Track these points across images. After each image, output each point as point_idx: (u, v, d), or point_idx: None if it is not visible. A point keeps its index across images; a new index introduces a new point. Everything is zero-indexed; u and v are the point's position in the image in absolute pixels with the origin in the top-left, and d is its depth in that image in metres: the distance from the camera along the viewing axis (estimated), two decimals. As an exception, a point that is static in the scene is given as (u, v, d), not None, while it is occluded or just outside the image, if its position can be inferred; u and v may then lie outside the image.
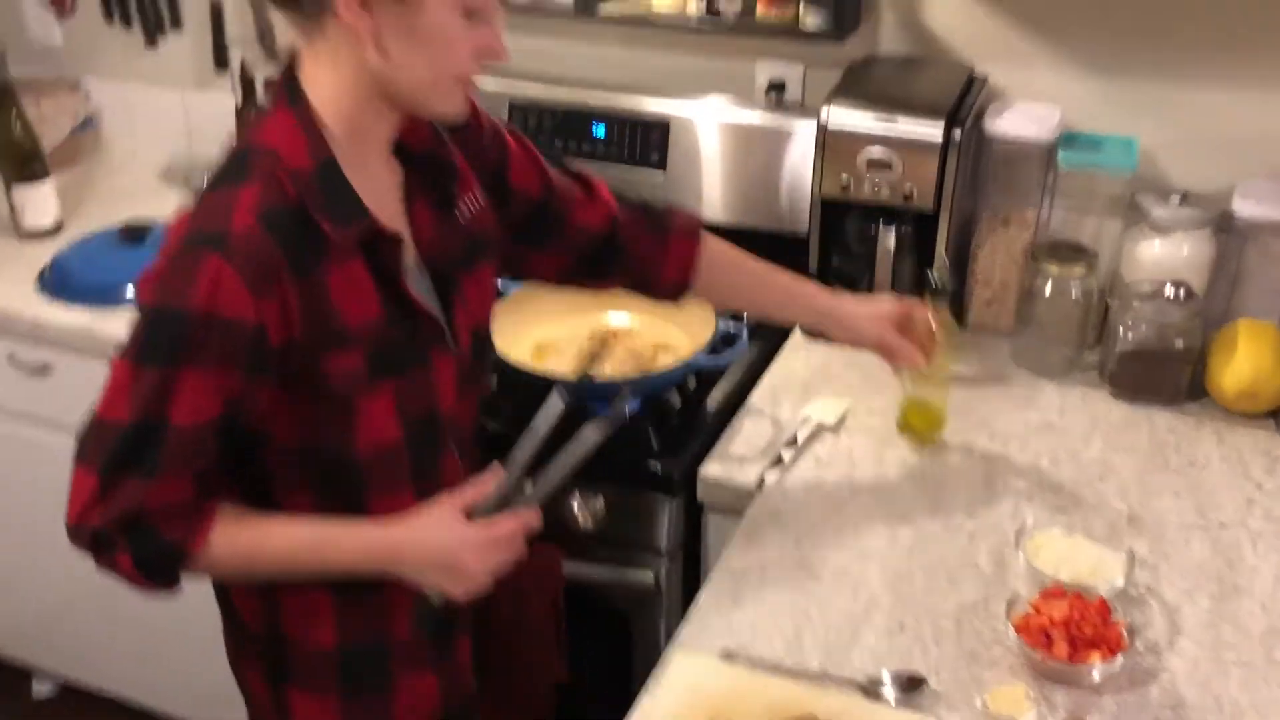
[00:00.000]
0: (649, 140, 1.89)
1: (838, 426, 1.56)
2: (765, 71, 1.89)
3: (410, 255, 1.15)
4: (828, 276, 1.78)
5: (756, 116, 1.84)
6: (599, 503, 1.50)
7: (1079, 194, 1.70)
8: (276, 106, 1.07)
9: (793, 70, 1.87)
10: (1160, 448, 1.52)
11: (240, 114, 2.22)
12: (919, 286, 1.45)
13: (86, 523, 1.05)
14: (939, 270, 1.43)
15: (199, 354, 1.01)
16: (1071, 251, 1.65)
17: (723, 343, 1.64)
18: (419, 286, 1.15)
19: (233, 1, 2.22)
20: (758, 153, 1.83)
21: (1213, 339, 1.60)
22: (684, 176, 1.89)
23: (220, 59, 2.26)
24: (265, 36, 2.16)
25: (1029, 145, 1.65)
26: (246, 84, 2.21)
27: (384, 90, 1.06)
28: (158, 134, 2.40)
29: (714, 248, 1.41)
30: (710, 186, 1.88)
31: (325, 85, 1.06)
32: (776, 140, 1.81)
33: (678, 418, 1.58)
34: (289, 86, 1.07)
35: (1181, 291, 1.57)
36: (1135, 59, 1.66)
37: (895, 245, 1.66)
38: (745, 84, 1.91)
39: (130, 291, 1.88)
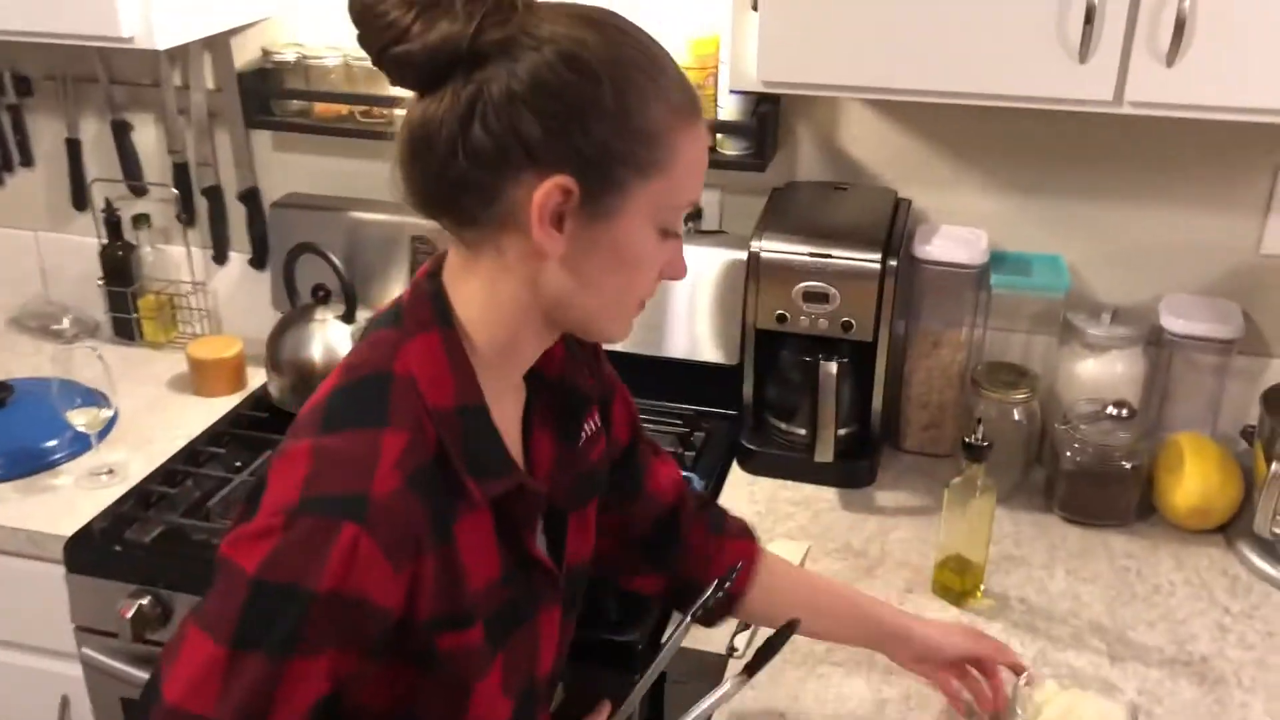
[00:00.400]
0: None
1: (798, 575, 1.48)
2: (680, 197, 1.83)
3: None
4: (763, 408, 1.72)
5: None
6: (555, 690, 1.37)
7: (1008, 312, 1.70)
8: (424, 326, 0.89)
9: (710, 195, 1.82)
10: (1122, 574, 1.49)
11: (105, 253, 2.04)
12: (964, 450, 1.37)
13: None
14: (974, 431, 1.36)
15: (320, 639, 0.81)
16: (1011, 373, 1.63)
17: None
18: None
19: (90, 137, 2.05)
20: (682, 282, 1.76)
21: (1156, 455, 1.59)
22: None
23: (79, 198, 2.08)
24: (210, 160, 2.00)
25: (960, 270, 1.63)
26: (111, 223, 2.04)
27: (552, 313, 0.91)
28: (9, 277, 2.19)
29: (770, 556, 1.26)
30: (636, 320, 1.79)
31: (480, 304, 0.90)
32: (697, 268, 1.75)
33: (631, 579, 1.47)
34: (439, 303, 0.90)
35: (1124, 411, 1.56)
36: (1056, 179, 1.67)
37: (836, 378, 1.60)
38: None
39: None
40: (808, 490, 1.67)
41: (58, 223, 2.13)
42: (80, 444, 1.71)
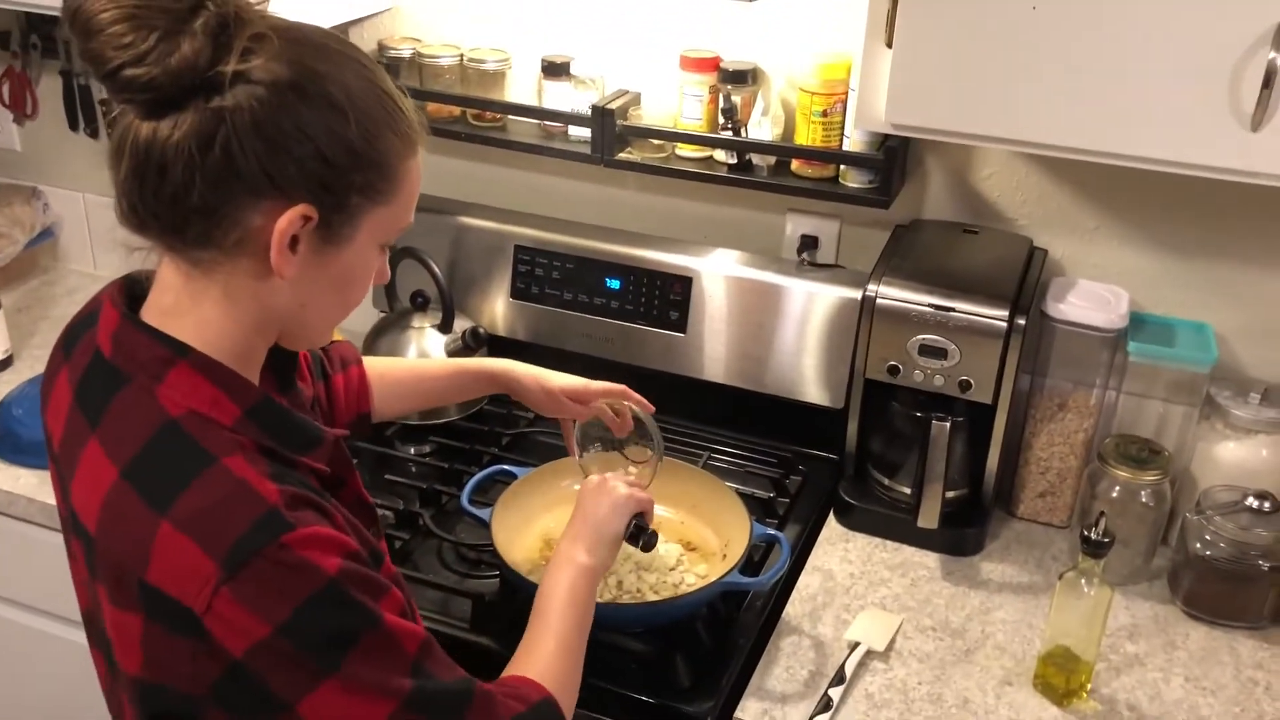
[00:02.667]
0: (668, 297, 1.72)
1: (887, 652, 1.39)
2: (797, 225, 1.74)
3: None
4: (867, 460, 1.62)
5: (787, 276, 1.67)
6: (616, 747, 1.32)
7: (1144, 379, 1.56)
8: (165, 363, 0.89)
9: (827, 226, 1.72)
10: (1249, 687, 1.36)
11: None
12: (1083, 544, 1.28)
13: None
14: (1095, 524, 1.26)
15: (371, 597, 0.87)
16: (1142, 448, 1.50)
17: (764, 549, 1.46)
18: None
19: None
20: (788, 315, 1.67)
21: (1299, 555, 1.45)
22: (703, 337, 1.72)
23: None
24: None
25: (1095, 333, 1.50)
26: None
27: (276, 325, 0.94)
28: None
29: (370, 362, 1.37)
30: (733, 350, 1.71)
31: (214, 325, 0.91)
32: (809, 303, 1.65)
33: (707, 642, 1.39)
34: (161, 338, 0.89)
35: (1266, 504, 1.42)
36: (1206, 238, 1.53)
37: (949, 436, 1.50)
38: (773, 238, 1.75)
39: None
40: (907, 553, 1.57)
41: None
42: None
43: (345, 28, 1.83)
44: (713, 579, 1.36)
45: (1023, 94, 1.22)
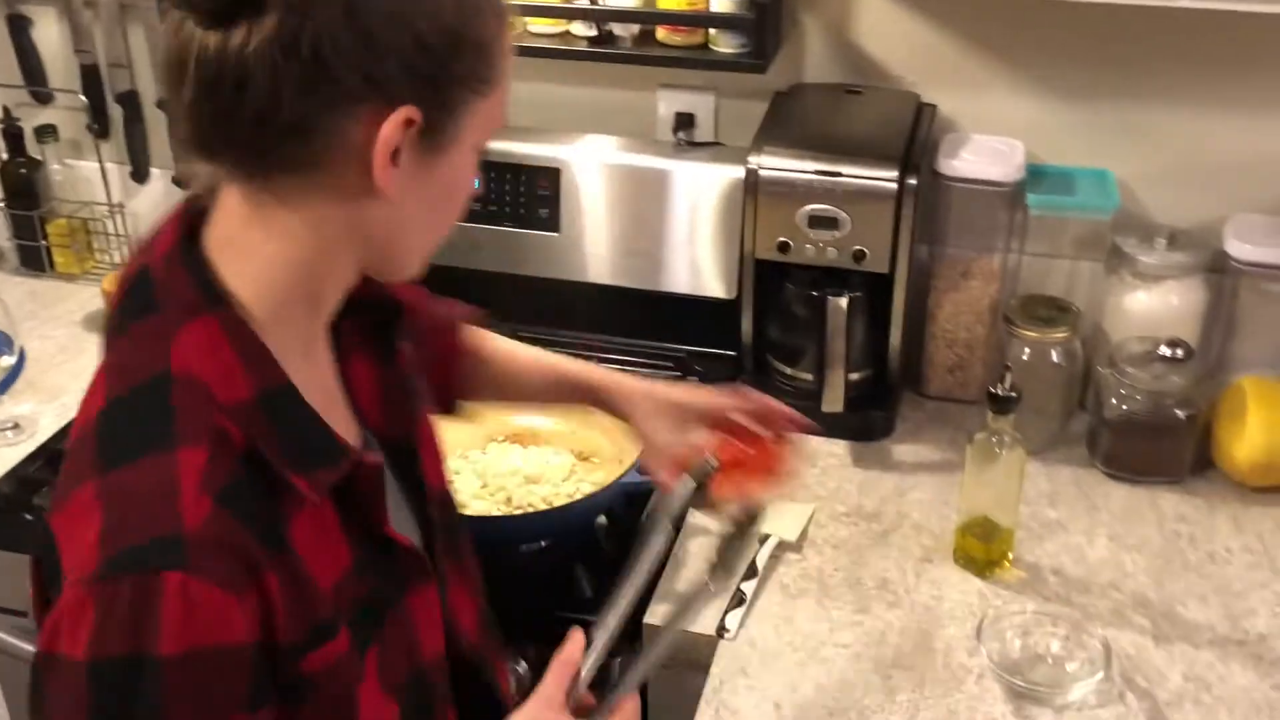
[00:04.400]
0: (535, 193, 1.77)
1: (800, 542, 1.47)
2: (670, 103, 1.79)
3: (356, 444, 0.96)
4: (765, 349, 1.70)
5: (663, 158, 1.73)
6: (521, 669, 1.38)
7: (1048, 236, 1.66)
8: (191, 310, 0.84)
9: (702, 101, 1.78)
10: (1173, 540, 1.48)
11: (5, 170, 2.00)
12: (989, 401, 1.35)
13: None
14: (1001, 379, 1.34)
15: (185, 708, 0.77)
16: (1048, 308, 1.61)
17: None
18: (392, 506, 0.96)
19: (-13, 33, 2.00)
20: (668, 202, 1.73)
21: (1215, 403, 1.57)
22: (578, 234, 1.77)
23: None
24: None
25: (992, 188, 1.60)
26: (12, 136, 2.00)
27: (369, 255, 0.89)
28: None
29: (474, 337, 1.29)
30: (613, 247, 1.77)
31: (276, 259, 0.85)
32: (691, 186, 1.72)
33: (607, 548, 1.46)
34: (202, 277, 0.84)
35: (1179, 351, 1.54)
36: (1105, 80, 1.62)
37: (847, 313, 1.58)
38: (645, 118, 1.81)
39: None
40: (815, 443, 1.65)
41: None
42: (-22, 399, 1.70)
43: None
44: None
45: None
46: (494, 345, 1.30)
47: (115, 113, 2.01)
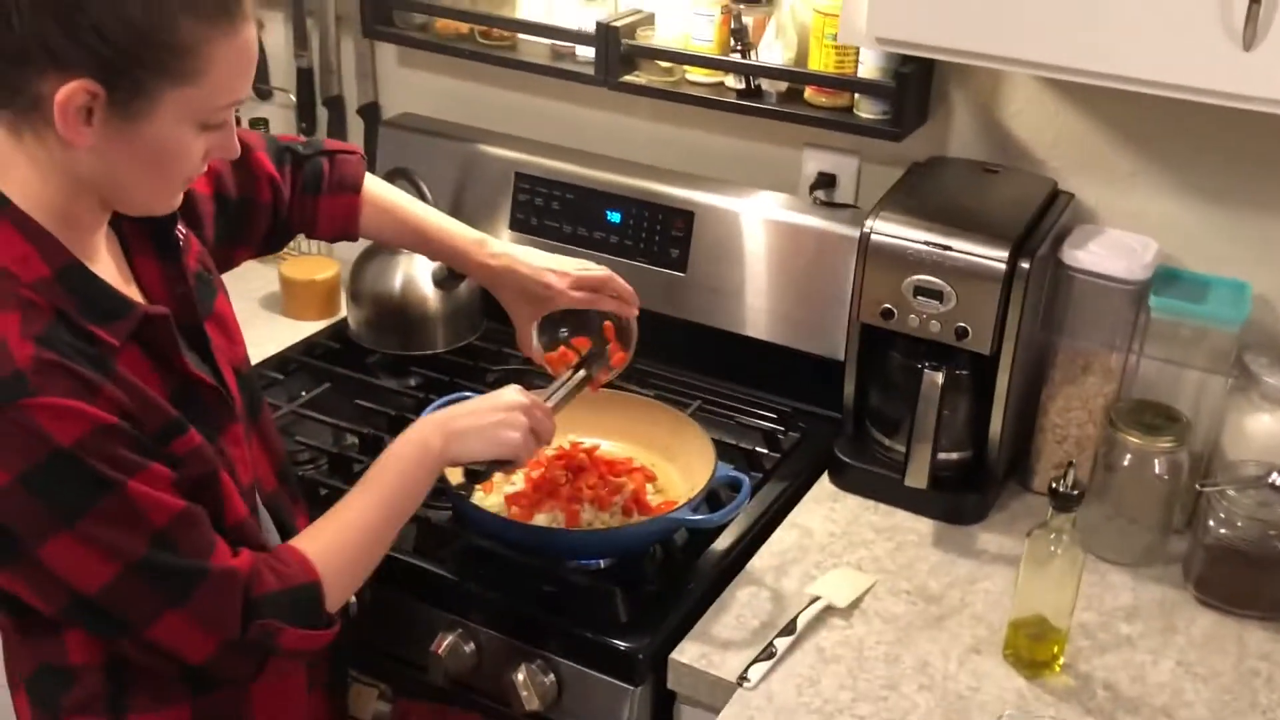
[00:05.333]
0: (669, 234, 1.82)
1: (850, 610, 1.46)
2: (814, 162, 1.81)
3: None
4: (865, 415, 1.69)
5: (799, 214, 1.75)
6: (548, 680, 1.42)
7: (1174, 342, 1.59)
8: None
9: (845, 163, 1.79)
10: (1248, 678, 1.38)
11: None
12: (1050, 497, 1.33)
13: (211, 643, 1.08)
14: (1064, 475, 1.32)
15: (118, 466, 1.02)
16: (1158, 415, 1.53)
17: (728, 489, 1.54)
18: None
19: (225, 32, 2.21)
20: (797, 258, 1.75)
21: (1329, 542, 1.47)
22: (707, 279, 1.81)
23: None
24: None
25: (1114, 284, 1.54)
26: (231, 126, 2.20)
27: (96, 192, 1.08)
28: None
29: (377, 197, 1.47)
30: (733, 294, 1.80)
31: (31, 181, 1.06)
32: (820, 244, 1.73)
33: (655, 582, 1.48)
34: None
35: (1292, 481, 1.44)
36: (1251, 187, 1.55)
37: (944, 390, 1.55)
38: (789, 174, 1.83)
39: None
40: (900, 518, 1.63)
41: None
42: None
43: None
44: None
45: (1000, 4, 1.28)
46: (396, 201, 1.49)
47: (321, 115, 2.18)
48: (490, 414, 1.30)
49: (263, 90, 2.22)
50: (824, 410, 1.77)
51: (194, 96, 1.03)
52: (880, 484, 1.65)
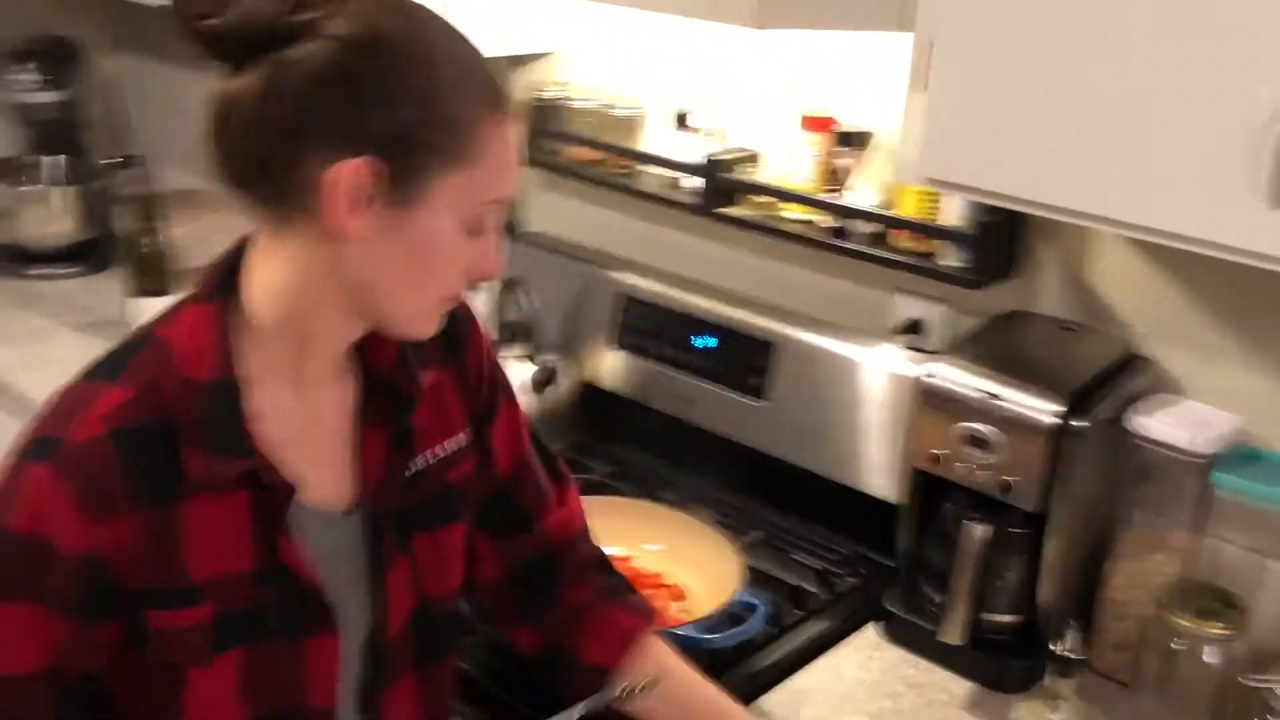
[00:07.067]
0: (751, 363, 1.84)
1: (850, 757, 1.40)
2: (905, 307, 1.80)
3: (335, 500, 1.09)
4: (916, 568, 1.64)
5: (876, 355, 1.74)
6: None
7: (1249, 525, 1.48)
8: (204, 296, 1.02)
9: (935, 311, 1.77)
10: None
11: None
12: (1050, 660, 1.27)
13: None
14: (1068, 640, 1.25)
15: (16, 586, 0.94)
16: (1214, 599, 1.42)
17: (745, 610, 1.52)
18: (325, 541, 1.07)
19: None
20: (872, 399, 1.73)
21: (1396, 765, 1.32)
22: (783, 411, 1.81)
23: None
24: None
25: (1179, 456, 1.46)
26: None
27: (352, 299, 1.01)
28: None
29: (657, 645, 1.28)
30: (813, 429, 1.79)
31: (276, 280, 1.00)
32: (895, 388, 1.71)
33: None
34: (226, 272, 1.02)
35: (1354, 689, 1.31)
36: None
37: (992, 547, 1.49)
38: (880, 317, 1.83)
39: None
40: (939, 676, 1.55)
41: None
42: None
43: (513, 65, 2.13)
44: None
45: (1048, 152, 1.26)
46: (677, 666, 1.28)
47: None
48: None
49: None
50: (884, 558, 1.72)
51: (464, 185, 0.97)
52: (925, 639, 1.58)
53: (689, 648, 1.49)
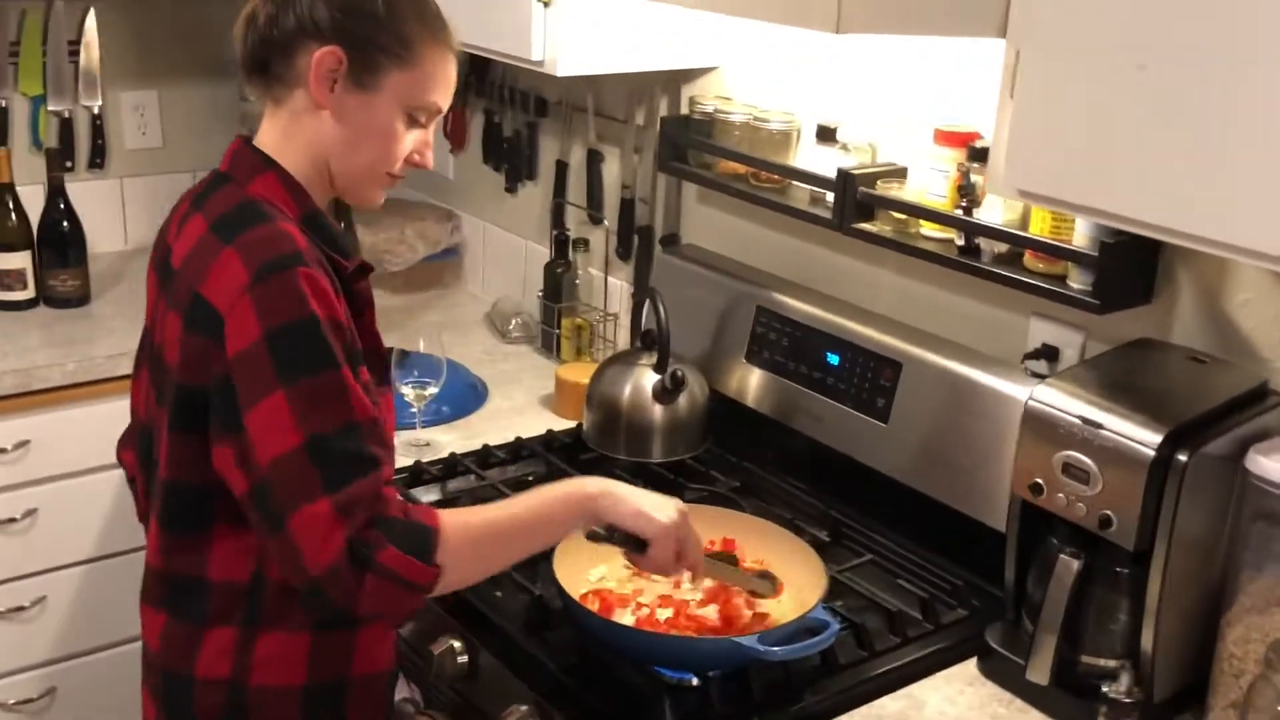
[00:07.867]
0: (878, 382, 1.79)
1: (909, 788, 1.35)
2: (1039, 332, 1.72)
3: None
4: (1021, 599, 1.56)
5: (1002, 380, 1.67)
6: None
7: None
8: (256, 170, 1.35)
9: (1070, 337, 1.68)
10: None
11: (548, 269, 2.45)
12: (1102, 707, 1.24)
13: (333, 548, 1.17)
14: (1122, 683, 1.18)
15: (340, 354, 1.24)
16: (1329, 662, 1.29)
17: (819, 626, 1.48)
18: None
19: (576, 162, 2.48)
20: (995, 426, 1.66)
21: None
22: (907, 433, 1.76)
23: (557, 216, 2.53)
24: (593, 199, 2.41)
25: (1290, 497, 1.33)
26: (560, 242, 2.45)
27: (324, 167, 1.37)
28: (502, 276, 2.73)
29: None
30: (935, 454, 1.73)
31: (286, 149, 1.36)
32: (1010, 412, 1.63)
33: (718, 706, 1.44)
34: (259, 155, 1.37)
35: None
36: None
37: (1092, 586, 1.41)
38: (1014, 340, 1.75)
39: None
40: (1033, 717, 1.47)
41: (540, 235, 2.61)
42: (407, 417, 2.08)
43: (678, 80, 2.17)
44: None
45: (1127, 167, 1.20)
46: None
47: (634, 241, 2.37)
48: (653, 499, 1.40)
49: (595, 217, 2.45)
50: (992, 588, 1.65)
51: (407, 83, 1.33)
52: (1020, 677, 1.50)
53: (790, 668, 1.47)
